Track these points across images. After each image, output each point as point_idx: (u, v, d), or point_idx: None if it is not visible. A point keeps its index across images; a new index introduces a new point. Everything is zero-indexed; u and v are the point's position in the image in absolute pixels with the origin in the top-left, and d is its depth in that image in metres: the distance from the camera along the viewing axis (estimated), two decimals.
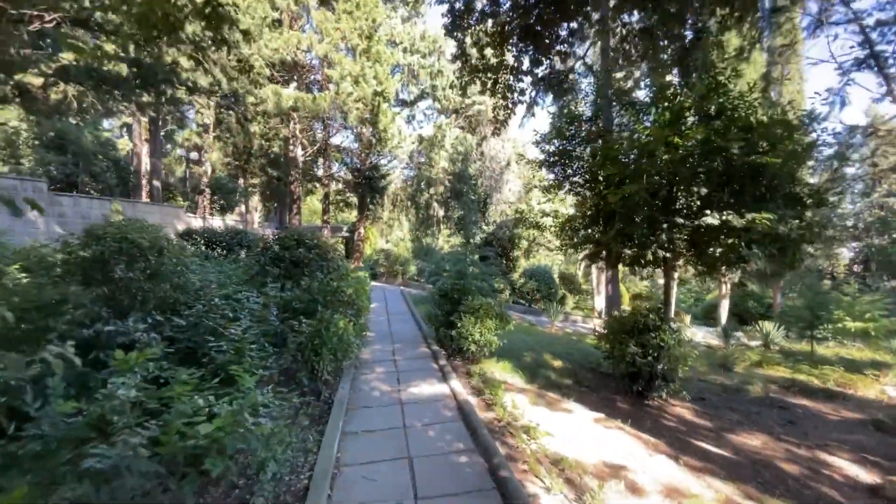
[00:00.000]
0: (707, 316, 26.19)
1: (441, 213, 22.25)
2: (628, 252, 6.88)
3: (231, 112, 13.16)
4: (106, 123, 29.23)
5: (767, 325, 15.35)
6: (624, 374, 6.44)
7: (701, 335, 16.76)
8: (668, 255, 6.63)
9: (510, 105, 11.99)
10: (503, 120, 11.92)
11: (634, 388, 6.35)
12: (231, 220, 22.07)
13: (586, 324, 19.41)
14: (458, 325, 6.91)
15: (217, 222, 19.96)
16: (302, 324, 4.95)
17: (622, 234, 6.73)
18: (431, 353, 7.35)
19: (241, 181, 15.08)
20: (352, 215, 26.64)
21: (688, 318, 25.25)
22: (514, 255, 28.22)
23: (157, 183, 17.53)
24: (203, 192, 11.53)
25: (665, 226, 6.41)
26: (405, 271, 24.50)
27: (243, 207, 25.15)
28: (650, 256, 6.97)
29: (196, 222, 18.24)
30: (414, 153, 19.85)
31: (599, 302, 27.60)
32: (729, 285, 21.15)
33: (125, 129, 22.50)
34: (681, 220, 6.16)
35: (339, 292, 6.18)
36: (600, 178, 6.99)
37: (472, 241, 28.23)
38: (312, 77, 17.23)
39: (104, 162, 16.57)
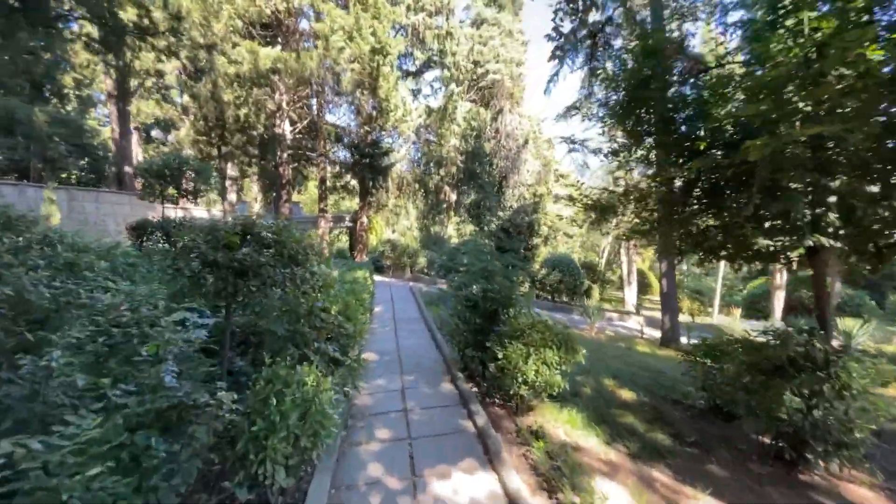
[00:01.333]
0: (752, 307, 23.61)
1: (453, 197, 19.80)
2: (765, 241, 4.44)
3: (200, 78, 10.82)
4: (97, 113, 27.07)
5: (850, 323, 12.87)
6: (772, 436, 4.10)
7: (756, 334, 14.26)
8: (831, 241, 4.19)
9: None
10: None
11: (785, 455, 4.02)
12: (218, 210, 19.86)
13: (625, 322, 17.01)
14: (499, 354, 4.59)
15: (200, 212, 17.76)
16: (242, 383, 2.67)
17: (757, 213, 4.31)
18: (459, 395, 5.06)
19: (218, 163, 12.77)
20: (354, 203, 24.30)
21: (737, 312, 22.73)
22: (533, 243, 25.80)
23: (128, 168, 15.31)
24: (166, 177, 9.45)
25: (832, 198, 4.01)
26: (414, 264, 22.21)
27: (234, 196, 22.94)
28: (792, 245, 4.55)
29: (172, 213, 16.06)
30: (421, 129, 17.36)
31: (630, 295, 25.13)
32: (784, 273, 18.51)
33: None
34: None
35: (314, 316, 3.88)
36: (723, 127, 4.50)
37: (486, 228, 25.80)
38: (301, 41, 14.74)
39: (63, 145, 14.33)
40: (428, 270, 22.25)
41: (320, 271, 4.21)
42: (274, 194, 22.15)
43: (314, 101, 14.46)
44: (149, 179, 8.47)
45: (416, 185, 19.72)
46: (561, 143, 25.52)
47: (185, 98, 11.12)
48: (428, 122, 16.88)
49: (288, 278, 3.84)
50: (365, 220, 21.35)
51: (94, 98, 19.69)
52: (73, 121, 16.00)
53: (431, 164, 17.92)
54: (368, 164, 15.62)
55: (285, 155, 12.68)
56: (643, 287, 30.38)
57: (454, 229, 44.69)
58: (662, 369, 8.20)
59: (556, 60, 13.87)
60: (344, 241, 38.38)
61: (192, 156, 14.61)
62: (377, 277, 20.46)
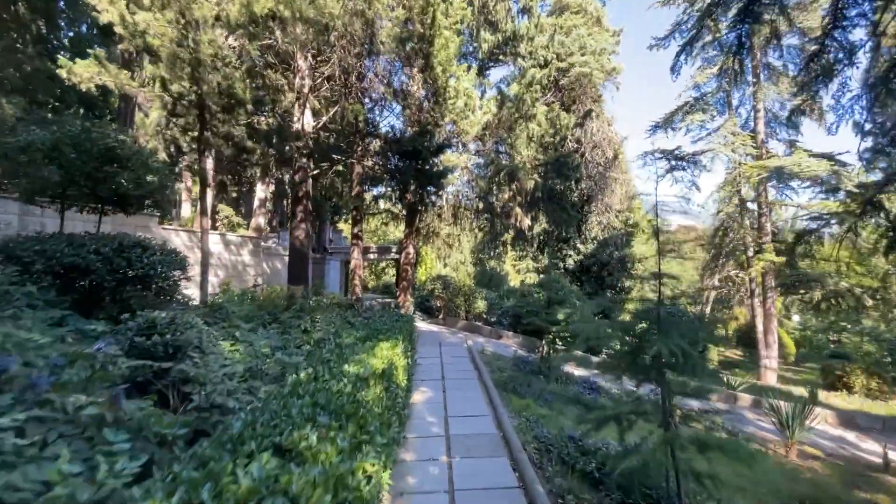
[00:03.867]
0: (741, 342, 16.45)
1: (526, 222, 15.05)
2: None
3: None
4: None
5: None
6: None
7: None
8: None
9: None
10: None
11: None
12: (234, 236, 16.54)
13: (825, 429, 10.64)
14: None
15: (214, 239, 14.44)
16: None
17: None
18: None
19: (197, 161, 9.06)
20: (399, 231, 20.37)
21: None
22: (623, 286, 20.20)
23: None
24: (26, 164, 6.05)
25: None
26: (470, 307, 17.44)
27: (260, 219, 19.74)
28: None
29: (176, 238, 12.71)
30: (486, 133, 13.09)
31: (769, 359, 18.51)
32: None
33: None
34: None
35: None
36: None
37: (562, 264, 20.64)
38: None
39: None
40: (488, 316, 17.39)
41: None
42: (290, 214, 18.63)
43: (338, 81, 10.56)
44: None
45: (479, 205, 15.19)
46: (659, 158, 20.28)
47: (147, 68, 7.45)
48: (498, 119, 12.62)
49: None
50: (411, 250, 17.09)
51: None
52: None
53: (500, 177, 13.51)
54: (415, 169, 11.39)
55: (302, 149, 8.91)
56: (748, 341, 23.12)
57: (511, 265, 39.53)
58: None
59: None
60: (391, 276, 34.56)
61: (153, 148, 11.20)
62: (423, 326, 15.88)
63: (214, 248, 14.96)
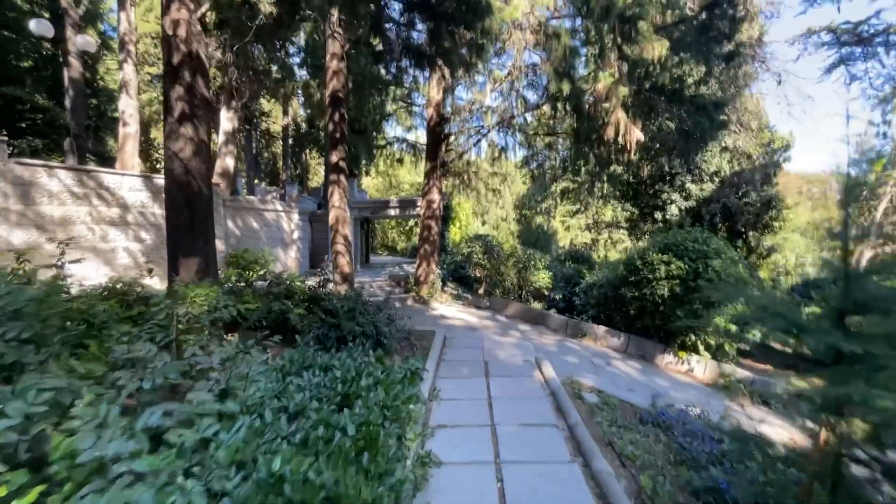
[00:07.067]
0: None
1: (636, 133, 8.50)
2: None
3: None
4: None
5: None
6: None
7: None
8: None
9: None
10: None
11: None
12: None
13: None
14: None
15: (128, 183, 9.07)
16: None
17: None
18: None
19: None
20: (418, 174, 14.18)
21: None
22: (762, 244, 13.45)
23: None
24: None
25: None
26: (525, 280, 11.46)
27: (228, 160, 14.36)
28: None
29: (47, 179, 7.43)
30: None
31: None
32: None
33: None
34: None
35: None
36: None
37: (659, 215, 13.99)
38: None
39: None
40: (552, 294, 11.38)
41: None
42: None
43: None
44: None
45: (549, 105, 8.58)
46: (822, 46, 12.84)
47: None
48: None
49: None
50: (435, 196, 11.17)
51: None
52: None
53: (592, 35, 6.96)
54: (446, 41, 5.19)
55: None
56: None
57: (559, 222, 32.39)
58: None
59: None
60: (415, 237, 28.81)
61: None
62: (455, 311, 10.14)
63: (132, 198, 9.68)
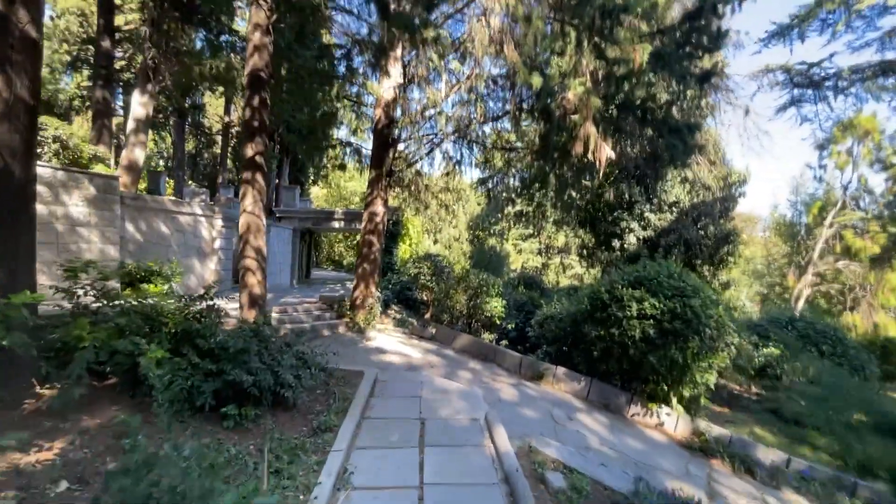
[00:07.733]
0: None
1: (605, 151, 7.64)
2: None
3: None
4: None
5: None
6: None
7: None
8: None
9: None
10: None
11: None
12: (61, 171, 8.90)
13: None
14: None
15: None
16: None
17: None
18: None
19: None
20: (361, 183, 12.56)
21: None
22: (718, 279, 13.17)
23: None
24: None
25: None
26: (476, 308, 10.22)
27: (136, 151, 12.23)
28: None
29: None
30: None
31: None
32: None
33: None
34: None
35: None
36: None
37: (617, 243, 13.35)
38: None
39: None
40: (504, 323, 10.23)
41: None
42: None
43: None
44: None
45: (513, 104, 7.40)
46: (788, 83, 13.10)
47: None
48: None
49: None
50: (379, 208, 9.78)
51: None
52: None
53: (567, 26, 5.98)
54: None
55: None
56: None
57: (512, 244, 31.90)
58: None
59: None
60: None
61: None
62: (394, 343, 8.57)
63: None
